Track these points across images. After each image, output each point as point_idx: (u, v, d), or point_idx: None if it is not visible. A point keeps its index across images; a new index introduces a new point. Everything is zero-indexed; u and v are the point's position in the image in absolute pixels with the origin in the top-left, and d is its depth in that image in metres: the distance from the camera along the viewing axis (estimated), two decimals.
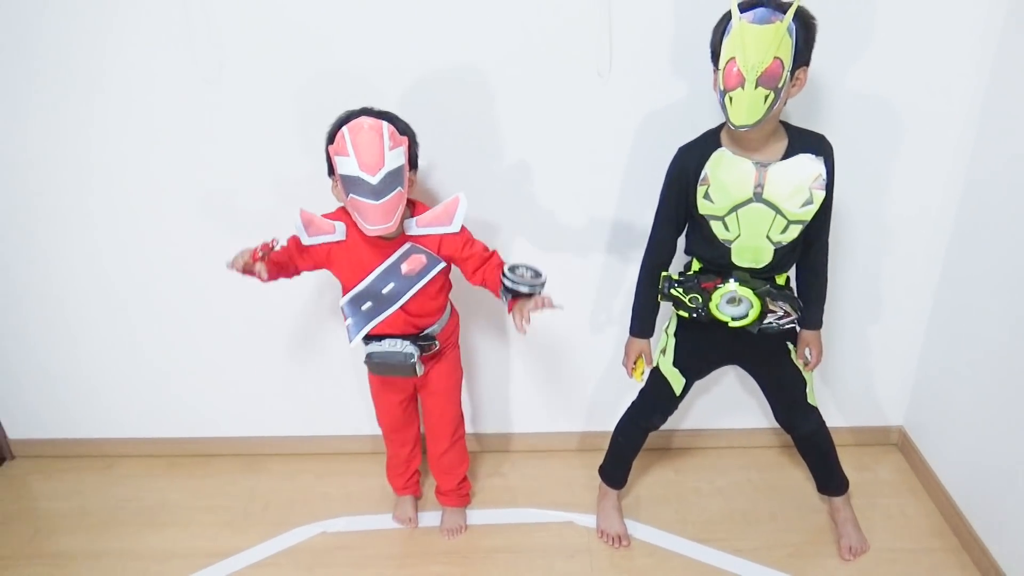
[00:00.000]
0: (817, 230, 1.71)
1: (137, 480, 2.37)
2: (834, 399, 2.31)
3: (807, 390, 1.87)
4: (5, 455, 2.47)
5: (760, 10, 1.44)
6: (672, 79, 1.85)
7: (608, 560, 2.02)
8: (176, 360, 2.29)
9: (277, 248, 1.67)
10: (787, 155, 1.60)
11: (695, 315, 1.73)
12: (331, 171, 1.61)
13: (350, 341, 1.76)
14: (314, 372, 2.29)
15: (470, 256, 1.75)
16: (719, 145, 1.63)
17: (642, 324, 1.88)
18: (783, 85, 1.47)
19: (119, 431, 2.43)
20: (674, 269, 1.81)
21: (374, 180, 1.52)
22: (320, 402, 2.35)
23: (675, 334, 1.86)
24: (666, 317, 1.91)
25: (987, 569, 1.89)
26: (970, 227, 1.97)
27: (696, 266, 1.77)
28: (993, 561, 1.87)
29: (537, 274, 1.64)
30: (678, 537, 2.09)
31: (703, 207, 1.65)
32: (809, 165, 1.59)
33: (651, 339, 1.90)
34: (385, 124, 1.54)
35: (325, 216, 1.71)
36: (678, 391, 1.88)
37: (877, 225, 2.05)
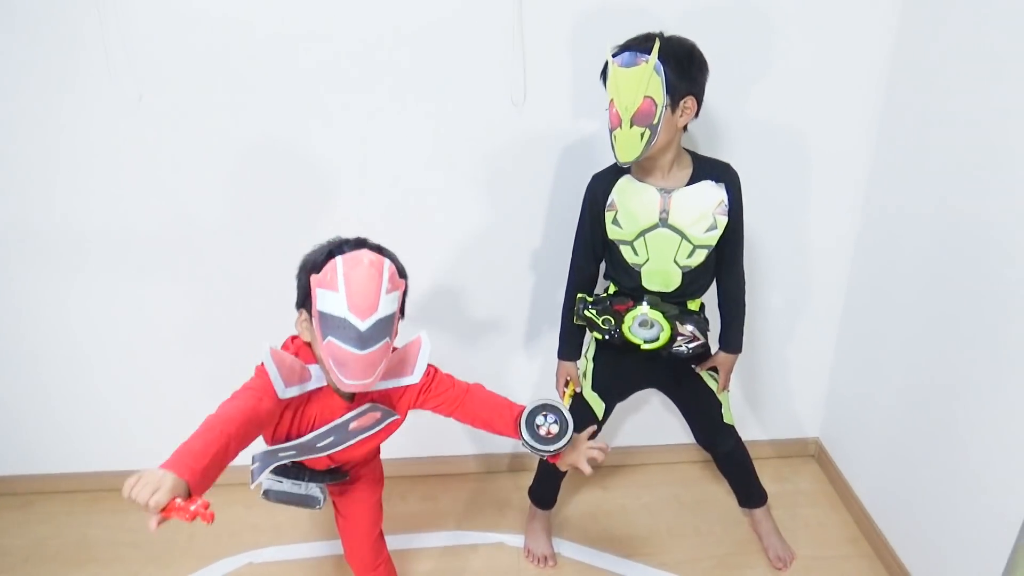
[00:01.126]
0: (729, 256, 1.79)
1: (57, 518, 2.30)
2: (754, 413, 2.39)
3: (723, 410, 1.93)
4: None
5: (625, 54, 1.54)
6: (586, 107, 1.92)
7: None
8: (96, 391, 2.24)
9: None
10: (691, 182, 1.68)
11: (608, 336, 1.78)
12: (302, 303, 1.35)
13: (251, 483, 1.37)
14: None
15: (440, 400, 1.51)
16: (624, 170, 1.69)
17: (567, 347, 1.93)
18: (658, 121, 1.55)
19: (37, 467, 2.36)
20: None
21: (363, 326, 1.26)
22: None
23: (594, 359, 1.91)
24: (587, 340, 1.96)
25: (894, 569, 1.98)
26: (871, 251, 2.08)
27: (612, 290, 1.83)
28: (902, 566, 1.96)
29: (562, 428, 1.45)
30: (606, 553, 2.12)
31: (612, 232, 1.71)
32: (711, 192, 1.67)
33: (578, 362, 1.95)
34: (387, 263, 1.30)
35: (284, 348, 1.43)
36: (600, 414, 1.92)
37: (786, 248, 2.15)
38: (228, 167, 1.93)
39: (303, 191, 1.97)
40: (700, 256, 1.70)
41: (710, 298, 1.85)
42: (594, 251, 1.81)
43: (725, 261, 1.79)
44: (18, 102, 1.83)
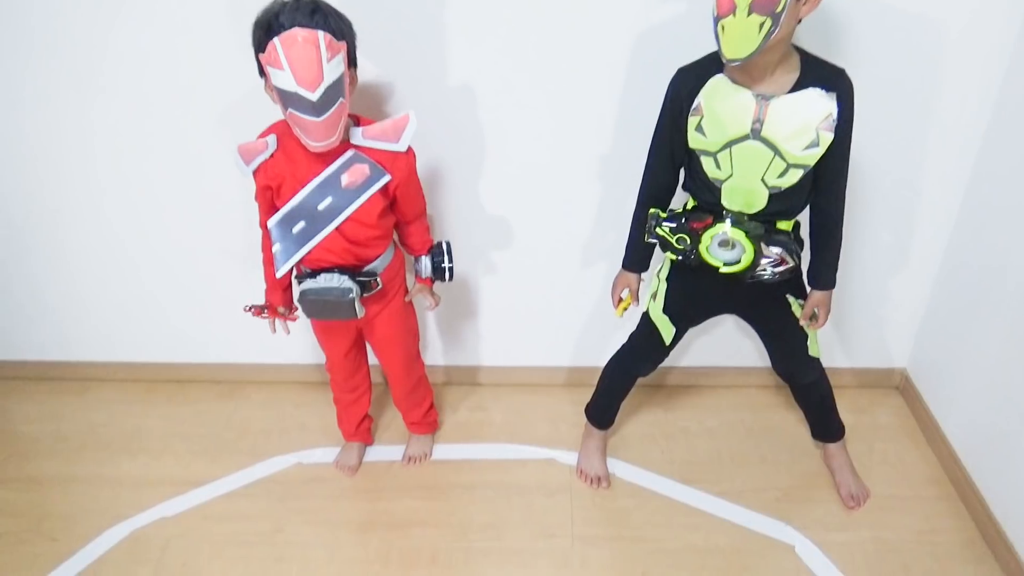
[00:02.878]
0: (829, 178, 1.53)
1: (113, 405, 2.32)
2: (839, 339, 2.19)
3: (809, 342, 1.74)
4: None
5: None
6: None
7: (589, 499, 1.96)
8: (154, 283, 2.20)
9: (262, 310, 1.77)
10: (795, 88, 1.41)
11: (683, 257, 1.59)
12: (262, 72, 1.45)
13: (278, 270, 1.62)
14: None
15: (409, 195, 1.66)
16: (718, 67, 1.44)
17: (632, 256, 1.75)
18: (783, 10, 1.27)
19: (96, 354, 2.37)
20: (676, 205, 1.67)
21: (314, 96, 1.37)
22: (300, 330, 2.25)
23: (667, 279, 1.72)
24: (661, 257, 1.77)
25: (983, 520, 1.82)
26: (987, 176, 1.81)
27: (691, 204, 1.63)
28: (990, 512, 1.79)
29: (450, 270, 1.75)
30: (663, 477, 2.02)
31: (693, 140, 1.48)
32: (818, 102, 1.40)
33: (641, 274, 1.77)
34: (321, 34, 1.35)
35: (259, 138, 1.58)
36: (667, 339, 1.76)
37: (894, 173, 1.89)
38: None
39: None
40: (794, 176, 1.46)
41: (804, 219, 1.63)
42: (672, 157, 1.59)
43: (823, 184, 1.53)
44: None
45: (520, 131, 1.88)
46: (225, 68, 1.79)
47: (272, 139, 1.55)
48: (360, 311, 1.64)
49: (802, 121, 1.41)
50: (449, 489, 2.00)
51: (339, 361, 1.90)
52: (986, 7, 1.66)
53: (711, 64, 1.46)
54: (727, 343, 2.21)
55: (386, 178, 1.56)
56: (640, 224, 1.68)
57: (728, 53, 1.33)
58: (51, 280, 2.20)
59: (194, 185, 2.00)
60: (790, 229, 1.58)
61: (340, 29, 1.42)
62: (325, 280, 1.61)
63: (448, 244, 1.75)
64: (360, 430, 2.06)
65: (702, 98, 1.45)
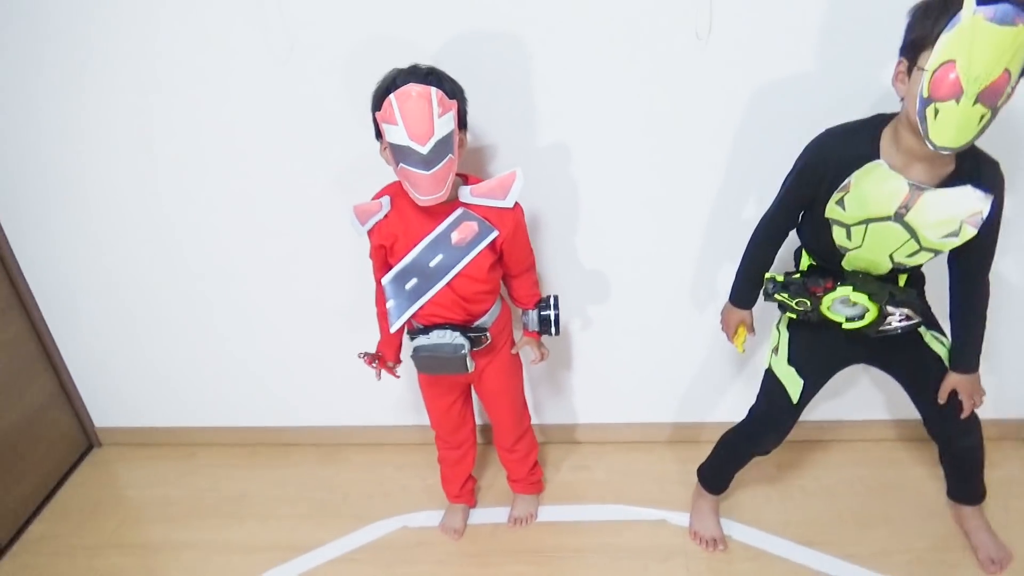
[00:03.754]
0: (975, 266, 1.47)
1: (218, 469, 2.35)
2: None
3: None
4: (92, 443, 2.49)
5: (1005, 6, 1.13)
6: (790, 46, 1.64)
7: (706, 564, 1.88)
8: (255, 348, 2.24)
9: (373, 359, 1.84)
10: (951, 182, 1.35)
11: (803, 317, 1.54)
12: (378, 135, 1.52)
13: (392, 325, 1.66)
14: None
15: (516, 249, 1.67)
16: (876, 146, 1.37)
17: (742, 295, 1.70)
18: (1003, 103, 1.19)
19: (201, 420, 2.42)
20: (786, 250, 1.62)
21: (424, 150, 1.43)
22: (401, 391, 2.27)
23: (788, 328, 1.66)
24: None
25: None
26: None
27: (805, 263, 1.58)
28: None
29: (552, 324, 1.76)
30: (782, 539, 1.92)
31: (831, 211, 1.43)
32: (973, 201, 1.34)
33: (751, 309, 1.72)
34: (433, 90, 1.43)
35: (373, 199, 1.64)
36: (795, 396, 1.65)
37: None
38: None
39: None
40: (923, 258, 1.41)
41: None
42: (796, 216, 1.55)
43: (968, 270, 1.47)
44: (167, 59, 1.78)
45: (616, 187, 1.87)
46: (336, 134, 1.84)
47: (386, 200, 1.61)
48: (471, 365, 1.67)
49: (950, 214, 1.35)
50: (557, 553, 1.95)
51: (442, 416, 1.90)
52: None
53: (864, 136, 1.39)
54: (855, 399, 2.12)
55: (494, 234, 1.59)
56: (749, 262, 1.65)
57: (939, 140, 1.22)
58: (156, 347, 2.27)
59: (297, 252, 2.04)
60: (907, 284, 1.51)
61: (452, 90, 1.49)
62: (438, 336, 1.65)
63: (556, 297, 1.77)
64: (464, 491, 2.04)
65: (853, 177, 1.38)
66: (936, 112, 1.21)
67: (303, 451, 2.39)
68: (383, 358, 1.84)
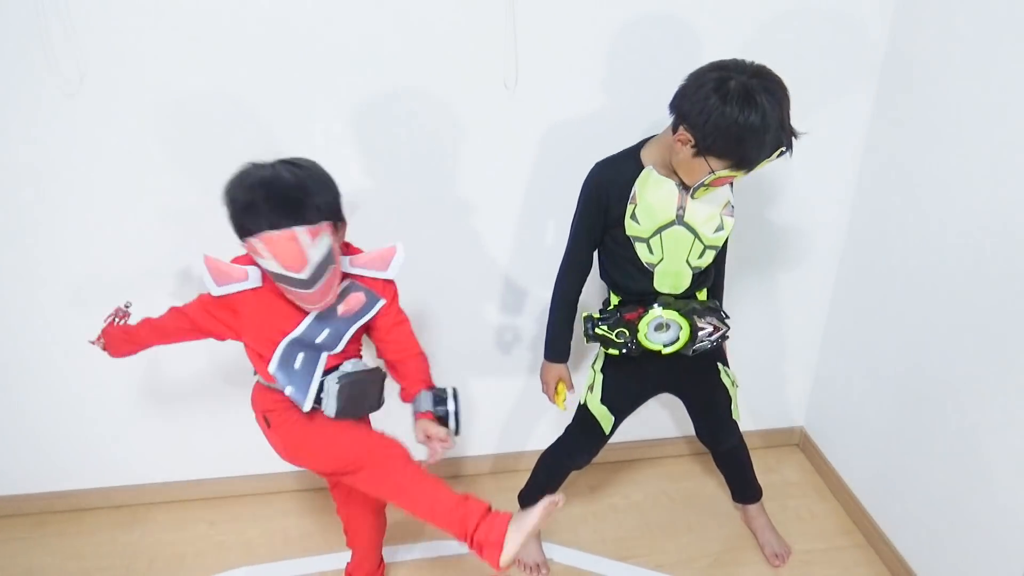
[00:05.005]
0: (722, 255, 1.74)
1: (3, 545, 2.09)
2: (744, 401, 2.33)
3: (732, 406, 1.85)
4: None
5: None
6: (583, 91, 1.81)
7: None
8: (36, 405, 2.03)
9: (125, 317, 1.64)
10: None
11: (625, 350, 1.67)
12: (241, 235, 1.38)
13: (304, 408, 1.51)
14: (196, 410, 2.09)
15: (396, 323, 1.59)
16: (639, 163, 1.56)
17: (556, 348, 1.79)
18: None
19: None
20: (588, 295, 1.76)
21: (303, 275, 1.36)
22: (207, 442, 2.15)
23: (602, 370, 1.79)
24: (589, 349, 1.84)
25: (892, 562, 1.96)
26: (863, 234, 2.04)
27: (615, 300, 1.72)
28: (898, 554, 1.94)
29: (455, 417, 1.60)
30: (599, 557, 2.05)
31: (630, 228, 1.58)
32: (722, 192, 1.57)
33: (567, 363, 1.82)
34: (298, 231, 1.33)
35: (234, 261, 1.49)
36: (607, 429, 1.80)
37: (774, 234, 2.09)
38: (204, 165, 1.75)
39: None
40: (709, 257, 1.61)
41: None
42: (592, 245, 1.69)
43: (718, 259, 1.70)
44: None
45: (441, 221, 1.93)
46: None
47: (255, 273, 1.47)
48: (382, 403, 1.62)
49: (710, 210, 1.57)
50: None
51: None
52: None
53: (629, 157, 1.58)
54: (645, 418, 2.29)
55: (382, 302, 1.55)
56: (560, 313, 1.75)
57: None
58: None
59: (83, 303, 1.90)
60: (706, 299, 1.71)
61: (318, 207, 1.37)
62: (352, 366, 1.55)
63: (455, 390, 1.63)
64: None
65: (638, 187, 1.55)
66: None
67: (98, 515, 2.18)
68: (109, 340, 1.63)
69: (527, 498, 2.02)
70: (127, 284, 1.84)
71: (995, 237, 1.56)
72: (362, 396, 1.56)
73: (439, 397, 1.60)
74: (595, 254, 1.71)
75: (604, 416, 1.79)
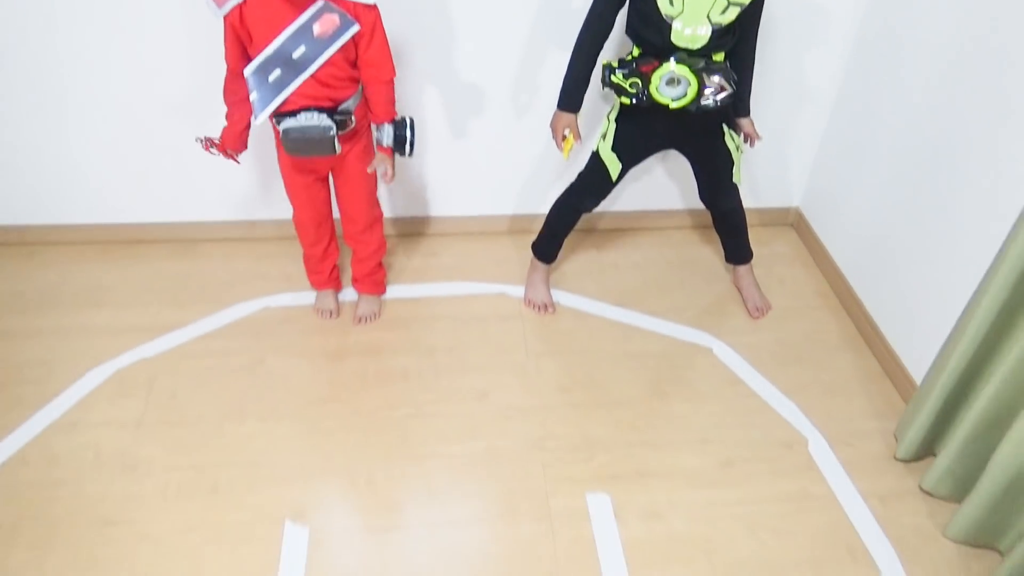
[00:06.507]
0: (751, 19, 1.79)
1: (67, 265, 2.36)
2: (747, 180, 2.50)
3: (734, 169, 2.02)
4: None
5: None
6: None
7: (538, 323, 2.23)
8: (94, 143, 2.22)
9: (212, 144, 1.86)
10: None
11: (637, 100, 1.80)
12: None
13: (255, 117, 1.71)
14: (249, 155, 2.27)
15: (372, 46, 1.71)
16: None
17: (570, 98, 1.91)
18: None
19: (41, 218, 2.38)
20: (611, 53, 1.86)
21: None
22: (247, 186, 2.36)
23: (616, 119, 1.93)
24: (606, 103, 1.97)
25: (860, 319, 2.21)
26: (880, 20, 2.10)
27: (636, 51, 1.83)
28: (866, 312, 2.19)
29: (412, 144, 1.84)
30: (599, 302, 2.30)
31: None
32: None
33: (577, 114, 1.94)
34: None
35: None
36: (614, 175, 1.98)
37: (791, 12, 2.15)
38: None
39: None
40: (732, 13, 1.70)
41: None
42: (616, 6, 1.78)
43: (746, 23, 1.78)
44: None
45: None
46: None
47: None
48: (338, 147, 1.79)
49: None
50: (413, 321, 2.22)
51: (305, 205, 2.01)
52: None
53: None
54: (654, 189, 2.49)
55: (355, 27, 1.65)
56: (579, 63, 1.86)
57: None
58: None
59: (136, 41, 2.03)
60: (722, 60, 1.82)
61: None
62: (306, 119, 1.73)
63: (412, 120, 1.84)
64: (331, 278, 2.21)
65: None
66: None
67: (155, 247, 2.44)
68: (222, 144, 1.87)
69: (539, 245, 2.25)
70: None
71: (1004, 6, 1.63)
72: (308, 147, 1.76)
73: (399, 125, 1.82)
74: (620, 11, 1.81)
75: (612, 162, 1.96)
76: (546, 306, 2.26)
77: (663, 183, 2.48)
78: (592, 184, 2.05)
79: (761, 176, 2.51)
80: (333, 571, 1.62)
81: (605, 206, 2.46)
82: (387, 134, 1.83)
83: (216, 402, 1.96)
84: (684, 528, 1.71)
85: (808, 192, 2.55)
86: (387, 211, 2.46)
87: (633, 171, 2.28)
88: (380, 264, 2.21)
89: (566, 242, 2.29)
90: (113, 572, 1.60)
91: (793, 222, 2.64)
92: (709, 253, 2.49)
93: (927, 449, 1.83)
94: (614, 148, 1.96)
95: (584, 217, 2.16)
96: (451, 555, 1.65)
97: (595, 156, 2.00)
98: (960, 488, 1.71)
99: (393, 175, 1.86)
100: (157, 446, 1.85)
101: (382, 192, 2.41)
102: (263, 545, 1.66)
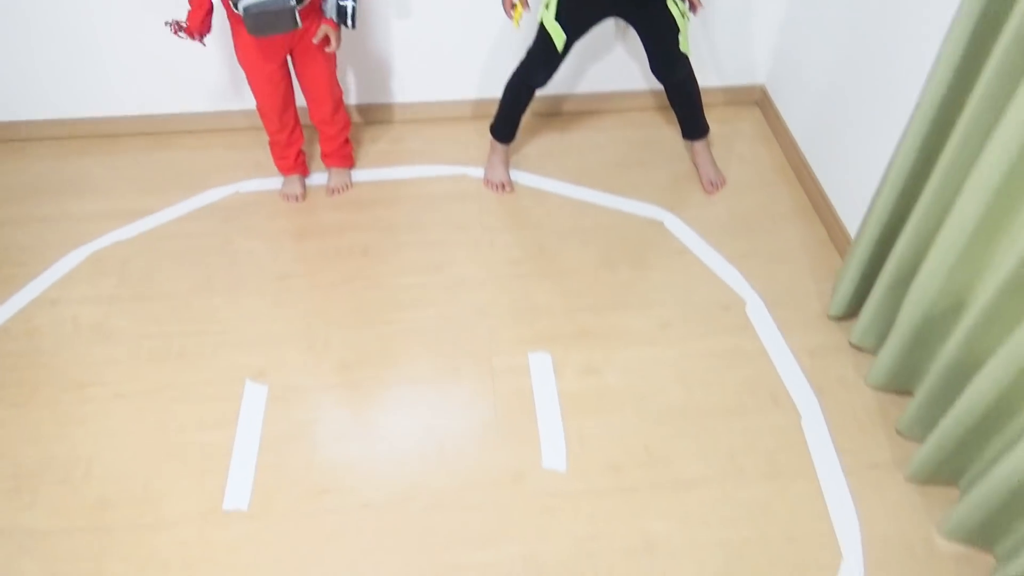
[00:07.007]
0: None
1: (52, 159, 2.47)
2: (711, 55, 2.50)
3: (679, 37, 2.02)
4: None
5: None
6: None
7: (496, 202, 2.30)
8: (66, 36, 2.29)
9: (181, 27, 1.89)
10: None
11: None
12: None
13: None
14: (218, 48, 2.33)
15: None
16: None
17: None
18: None
19: (23, 114, 2.48)
20: None
21: None
22: (218, 75, 2.42)
23: None
24: None
25: (813, 191, 2.24)
26: None
27: None
28: (819, 184, 2.21)
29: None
30: (558, 181, 2.36)
31: None
32: None
33: None
34: None
35: None
36: (560, 46, 2.00)
37: None
38: None
39: None
40: None
41: None
42: None
43: None
44: None
45: None
46: None
47: None
48: (299, 21, 1.83)
49: None
50: (375, 202, 2.30)
51: (268, 93, 2.07)
52: None
53: None
54: (616, 69, 2.49)
55: None
56: None
57: None
58: None
59: None
60: None
61: None
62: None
63: None
64: (297, 163, 2.29)
65: None
66: None
67: (133, 140, 2.53)
68: (190, 27, 1.91)
69: (496, 126, 2.30)
70: None
71: None
72: (269, 24, 1.80)
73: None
74: None
75: (557, 33, 1.98)
76: (503, 185, 2.32)
77: (625, 62, 2.48)
78: (539, 57, 2.07)
79: (726, 53, 2.50)
80: (287, 423, 1.76)
81: (568, 88, 2.50)
82: (331, 5, 1.89)
83: (185, 279, 2.08)
84: (618, 381, 1.82)
85: (773, 69, 2.53)
86: (352, 97, 2.51)
87: (594, 50, 2.31)
88: (347, 140, 2.31)
89: (530, 125, 2.34)
90: (90, 424, 1.76)
91: (758, 100, 2.63)
92: (671, 134, 2.51)
93: (858, 305, 1.89)
94: (557, 17, 1.97)
95: (548, 100, 2.20)
96: (400, 408, 1.78)
97: (540, 29, 2.02)
98: (884, 339, 1.78)
99: (338, 45, 1.94)
100: (130, 318, 1.98)
101: (348, 78, 2.46)
102: (226, 401, 1.80)
